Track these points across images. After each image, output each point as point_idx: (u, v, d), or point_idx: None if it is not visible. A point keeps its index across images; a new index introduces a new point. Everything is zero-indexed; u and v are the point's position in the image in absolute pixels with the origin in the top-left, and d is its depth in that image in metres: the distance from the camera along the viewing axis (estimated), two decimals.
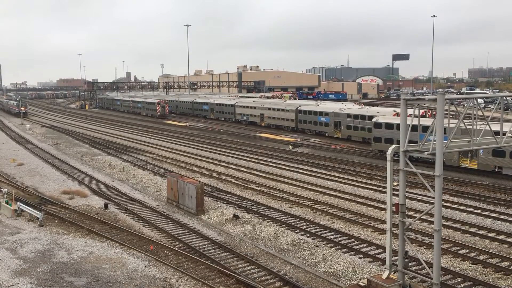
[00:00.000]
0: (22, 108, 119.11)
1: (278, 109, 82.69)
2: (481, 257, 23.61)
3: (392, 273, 18.62)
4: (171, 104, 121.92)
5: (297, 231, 28.04)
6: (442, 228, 22.92)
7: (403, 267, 18.40)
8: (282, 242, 26.20)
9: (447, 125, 17.30)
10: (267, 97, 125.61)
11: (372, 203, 33.60)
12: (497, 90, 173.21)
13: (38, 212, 30.74)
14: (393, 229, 18.96)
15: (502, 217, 29.80)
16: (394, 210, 18.30)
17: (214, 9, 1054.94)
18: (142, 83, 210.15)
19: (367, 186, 38.45)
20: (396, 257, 19.52)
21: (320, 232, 27.59)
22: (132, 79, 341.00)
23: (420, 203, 33.07)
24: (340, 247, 25.38)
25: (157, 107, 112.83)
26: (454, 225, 28.37)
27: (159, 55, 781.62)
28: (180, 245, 26.19)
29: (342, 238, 26.71)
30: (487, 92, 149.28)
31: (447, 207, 31.68)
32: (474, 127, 18.04)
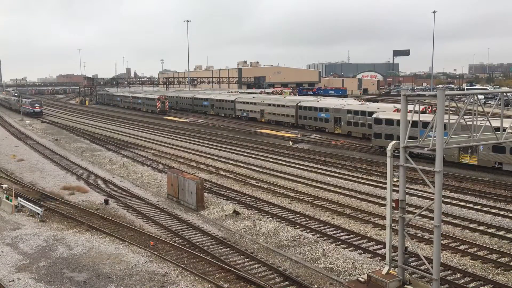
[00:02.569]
0: (37, 107, 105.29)
1: (278, 105, 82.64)
2: (480, 253, 23.66)
3: (392, 268, 18.67)
4: (171, 100, 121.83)
5: (297, 226, 28.08)
6: (442, 224, 22.98)
7: (403, 263, 18.44)
8: (282, 237, 26.25)
9: (447, 121, 17.30)
10: (267, 93, 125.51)
11: (372, 199, 33.64)
12: (498, 86, 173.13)
13: (38, 208, 30.78)
14: (393, 224, 19.00)
15: (502, 213, 29.84)
16: (394, 206, 18.33)
17: (215, 6, 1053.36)
18: (142, 79, 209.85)
19: (367, 182, 38.48)
20: (396, 253, 19.57)
21: (320, 228, 27.63)
22: (132, 75, 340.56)
23: (420, 199, 33.10)
24: (340, 242, 25.43)
25: (157, 103, 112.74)
26: (454, 221, 28.42)
27: (160, 51, 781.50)
28: (180, 240, 26.24)
29: (342, 234, 26.75)
30: (487, 88, 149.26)
31: (447, 203, 31.72)
32: (474, 123, 18.04)
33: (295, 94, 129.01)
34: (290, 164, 46.44)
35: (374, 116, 53.39)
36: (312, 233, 26.89)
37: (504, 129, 19.21)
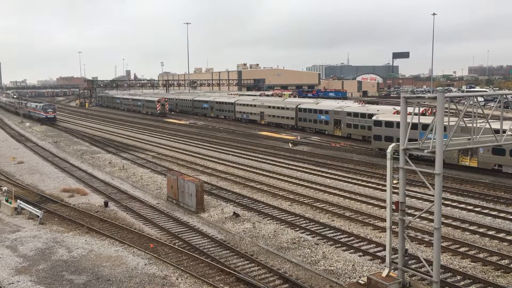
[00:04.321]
0: (50, 113, 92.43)
1: (278, 107, 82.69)
2: (480, 255, 23.63)
3: (392, 271, 18.65)
4: (171, 102, 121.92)
5: (297, 229, 28.06)
6: (442, 226, 22.97)
7: (403, 265, 18.43)
8: (282, 240, 26.22)
9: (447, 123, 17.30)
10: (267, 95, 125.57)
11: (372, 201, 33.62)
12: (497, 88, 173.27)
13: (38, 210, 30.76)
14: (393, 227, 18.98)
15: (502, 215, 29.82)
16: (394, 208, 18.32)
17: (215, 9, 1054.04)
18: (142, 81, 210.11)
19: (367, 184, 38.46)
20: (396, 255, 19.55)
21: (320, 230, 27.61)
22: (132, 77, 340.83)
23: (420, 201, 33.09)
24: (340, 245, 25.40)
25: (157, 105, 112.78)
26: (454, 223, 28.40)
27: (160, 54, 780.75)
28: (180, 243, 26.21)
29: (342, 236, 26.73)
30: (487, 90, 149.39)
31: (447, 205, 31.70)
32: (474, 125, 18.05)
33: (295, 96, 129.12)
34: (290, 166, 46.42)
35: (374, 118, 53.40)
36: (312, 235, 26.87)
37: (504, 131, 19.21)
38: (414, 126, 19.00)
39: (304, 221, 29.46)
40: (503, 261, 22.97)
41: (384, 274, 18.54)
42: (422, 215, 25.01)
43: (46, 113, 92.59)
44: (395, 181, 18.37)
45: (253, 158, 51.62)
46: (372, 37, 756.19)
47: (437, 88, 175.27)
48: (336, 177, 41.55)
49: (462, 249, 24.50)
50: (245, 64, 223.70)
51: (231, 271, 21.74)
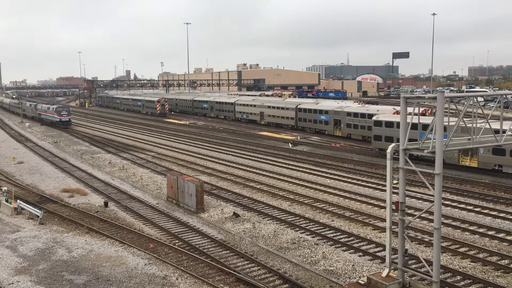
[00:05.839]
0: (64, 115, 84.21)
1: (278, 108, 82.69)
2: (480, 255, 23.63)
3: (392, 271, 18.65)
4: (171, 102, 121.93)
5: (297, 229, 28.06)
6: (442, 226, 22.97)
7: (403, 265, 18.43)
8: (282, 240, 26.22)
9: (447, 123, 17.30)
10: (267, 96, 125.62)
11: (372, 201, 33.62)
12: (497, 88, 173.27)
13: (38, 210, 30.74)
14: (393, 227, 18.98)
15: (501, 215, 29.82)
16: (394, 208, 18.32)
17: (215, 9, 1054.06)
18: (142, 81, 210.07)
19: (367, 184, 38.46)
20: (396, 255, 19.55)
21: (320, 230, 27.61)
22: (132, 77, 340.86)
23: (420, 201, 33.08)
24: (340, 245, 25.40)
25: (157, 105, 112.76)
26: (453, 223, 28.40)
27: (160, 54, 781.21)
28: (180, 243, 26.21)
29: (342, 236, 26.73)
30: (487, 90, 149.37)
31: (446, 205, 31.70)
32: (474, 125, 18.05)
33: (294, 97, 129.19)
34: (290, 166, 46.42)
35: (374, 118, 53.40)
36: (312, 236, 26.86)
37: (504, 131, 19.21)
38: (414, 126, 19.00)
39: (304, 221, 29.46)
40: (503, 261, 22.96)
41: (384, 274, 18.54)
42: (422, 215, 25.02)
43: (60, 115, 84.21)
44: (395, 181, 18.37)
45: (253, 158, 51.61)
46: (372, 37, 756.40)
47: (437, 88, 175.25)
48: (336, 177, 41.55)
49: (462, 249, 24.50)
50: (245, 64, 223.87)
51: (231, 271, 21.74)
